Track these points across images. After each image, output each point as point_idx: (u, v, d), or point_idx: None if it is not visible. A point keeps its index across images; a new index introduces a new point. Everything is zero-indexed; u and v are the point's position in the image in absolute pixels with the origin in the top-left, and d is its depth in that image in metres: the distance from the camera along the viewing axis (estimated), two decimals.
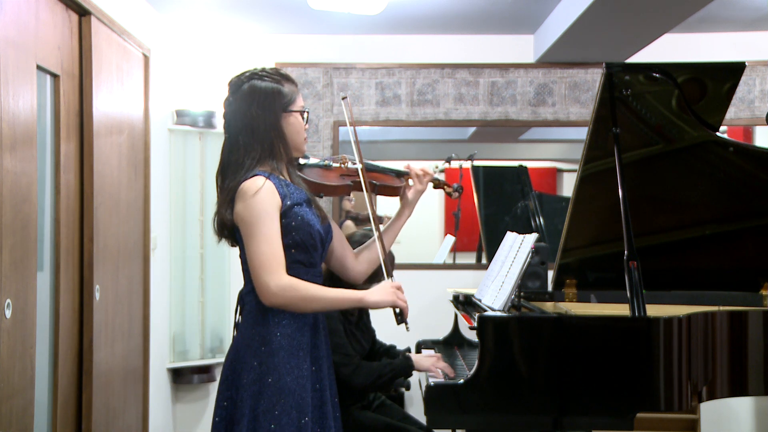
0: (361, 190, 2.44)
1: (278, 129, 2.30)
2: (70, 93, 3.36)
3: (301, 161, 2.44)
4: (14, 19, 2.79)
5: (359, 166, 2.45)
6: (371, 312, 3.74)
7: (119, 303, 3.83)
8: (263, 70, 2.36)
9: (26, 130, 2.83)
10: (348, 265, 2.52)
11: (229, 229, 2.30)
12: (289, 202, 2.24)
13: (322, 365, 2.32)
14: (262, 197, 2.19)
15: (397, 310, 2.29)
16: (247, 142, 2.29)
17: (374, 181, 2.52)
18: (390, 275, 2.38)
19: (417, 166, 2.60)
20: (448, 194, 2.72)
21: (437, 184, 2.68)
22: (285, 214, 2.24)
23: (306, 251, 2.27)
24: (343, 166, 2.49)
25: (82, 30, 3.46)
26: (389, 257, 3.60)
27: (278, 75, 2.35)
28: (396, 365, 3.29)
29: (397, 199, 2.62)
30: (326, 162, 2.49)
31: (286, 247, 2.23)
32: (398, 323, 2.30)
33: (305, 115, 2.37)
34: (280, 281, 2.16)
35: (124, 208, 3.93)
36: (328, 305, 2.27)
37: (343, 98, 2.55)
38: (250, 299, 2.28)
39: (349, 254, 2.53)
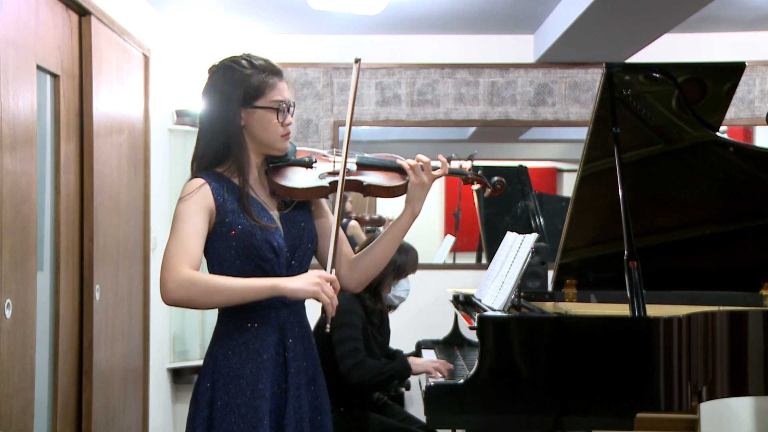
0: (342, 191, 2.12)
1: (234, 127, 2.08)
2: (70, 93, 3.35)
3: (272, 160, 2.17)
4: (14, 19, 2.79)
5: (341, 162, 2.12)
6: None
7: (119, 303, 3.83)
8: (239, 58, 2.14)
9: (26, 130, 2.83)
10: (342, 272, 2.24)
11: None
12: (223, 208, 2.07)
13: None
14: (188, 199, 2.05)
15: (322, 314, 2.06)
16: (206, 138, 2.13)
17: (363, 180, 2.17)
18: (332, 267, 2.05)
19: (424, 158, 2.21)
20: (482, 189, 2.29)
21: (465, 179, 2.28)
22: (223, 222, 2.07)
23: (252, 261, 2.08)
24: (330, 164, 2.18)
25: (82, 30, 3.46)
26: (413, 255, 3.59)
27: (251, 65, 2.12)
28: (395, 366, 3.29)
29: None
30: (308, 158, 2.17)
31: (229, 256, 2.07)
32: (324, 323, 2.07)
33: (280, 109, 2.10)
34: (178, 275, 1.95)
35: (124, 208, 3.93)
36: (235, 297, 1.98)
37: (356, 60, 2.24)
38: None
39: (342, 259, 2.24)
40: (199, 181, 2.08)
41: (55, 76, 3.21)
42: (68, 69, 3.32)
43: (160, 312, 4.58)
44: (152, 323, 4.36)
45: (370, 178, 2.18)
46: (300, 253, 2.17)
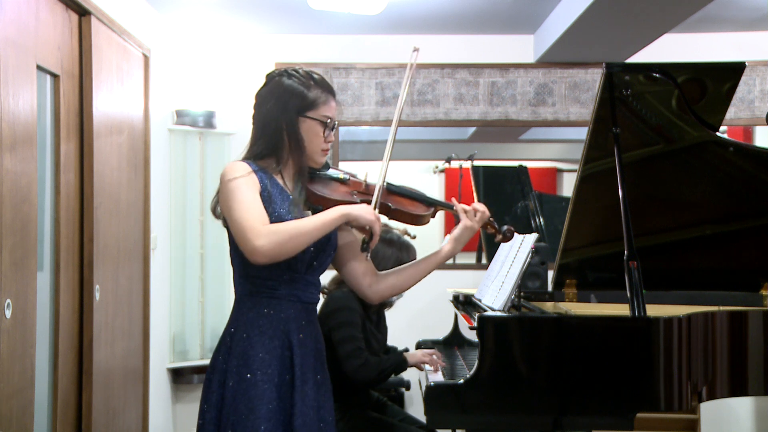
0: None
1: (289, 131, 2.23)
2: (70, 93, 3.36)
3: (315, 170, 2.31)
4: (14, 19, 2.79)
5: (379, 184, 2.28)
6: None
7: (119, 303, 3.83)
8: (298, 69, 2.29)
9: (26, 130, 2.83)
10: (362, 281, 2.38)
11: (217, 215, 2.29)
12: (266, 193, 2.18)
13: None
14: (237, 173, 2.16)
15: (366, 238, 2.20)
16: (257, 134, 2.27)
17: (390, 204, 2.33)
18: (375, 207, 2.25)
19: (469, 207, 2.40)
20: (493, 235, 2.46)
21: (485, 225, 2.43)
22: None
23: None
24: (362, 185, 2.34)
25: (82, 30, 3.46)
26: (412, 252, 3.58)
27: (309, 78, 2.27)
28: (392, 360, 3.33)
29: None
30: (343, 176, 2.34)
31: None
32: (362, 250, 2.22)
33: (327, 125, 2.25)
34: (260, 232, 2.08)
35: (124, 208, 3.93)
36: (316, 233, 2.14)
37: (415, 49, 2.40)
38: (236, 287, 2.30)
39: (365, 269, 2.38)
40: (246, 166, 2.20)
41: (55, 76, 3.21)
42: (68, 69, 3.32)
43: (160, 312, 4.58)
44: (152, 323, 4.36)
45: (397, 204, 2.35)
46: (322, 257, 2.30)
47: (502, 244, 3.30)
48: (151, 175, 4.34)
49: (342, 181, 2.33)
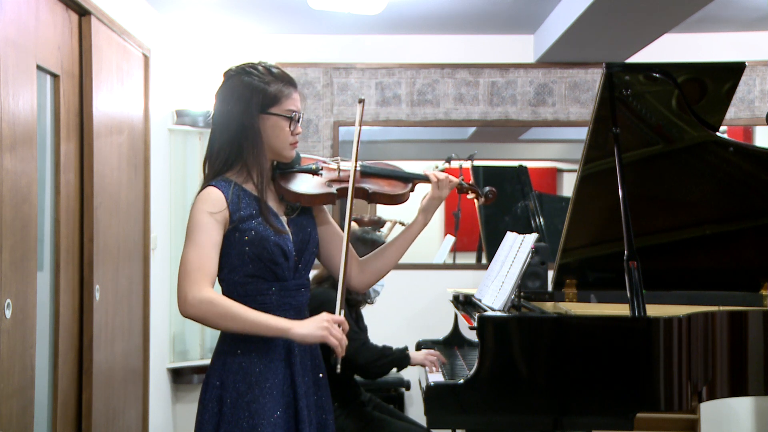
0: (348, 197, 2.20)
1: (251, 131, 2.15)
2: (70, 93, 3.36)
3: (281, 166, 2.24)
4: (14, 19, 2.79)
5: (351, 168, 2.22)
6: (372, 315, 3.75)
7: (119, 303, 3.83)
8: (257, 65, 2.22)
9: (26, 130, 2.83)
10: (350, 273, 2.32)
11: None
12: (237, 216, 2.12)
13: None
14: (204, 209, 2.10)
15: (333, 357, 2.09)
16: (220, 140, 2.20)
17: (368, 187, 2.28)
18: (341, 308, 2.13)
19: (441, 174, 2.34)
20: (476, 198, 2.41)
21: (461, 188, 2.39)
22: (236, 229, 2.13)
23: (264, 265, 2.14)
24: (336, 171, 2.27)
25: (82, 30, 3.46)
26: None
27: (269, 73, 2.19)
28: (396, 352, 3.39)
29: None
30: (315, 166, 2.25)
31: (241, 262, 2.13)
32: (332, 365, 2.12)
33: (292, 118, 2.18)
34: (199, 293, 2.02)
35: (124, 208, 3.93)
36: (247, 328, 2.05)
37: (360, 101, 2.36)
38: None
39: (351, 261, 2.33)
40: (214, 191, 2.13)
41: (55, 76, 3.21)
42: (68, 69, 3.32)
43: (160, 312, 4.58)
44: (152, 323, 4.36)
45: (375, 186, 2.29)
46: (306, 257, 2.25)
47: (502, 244, 3.30)
48: (151, 175, 4.34)
49: (315, 172, 2.26)
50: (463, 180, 2.38)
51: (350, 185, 2.22)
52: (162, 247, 4.66)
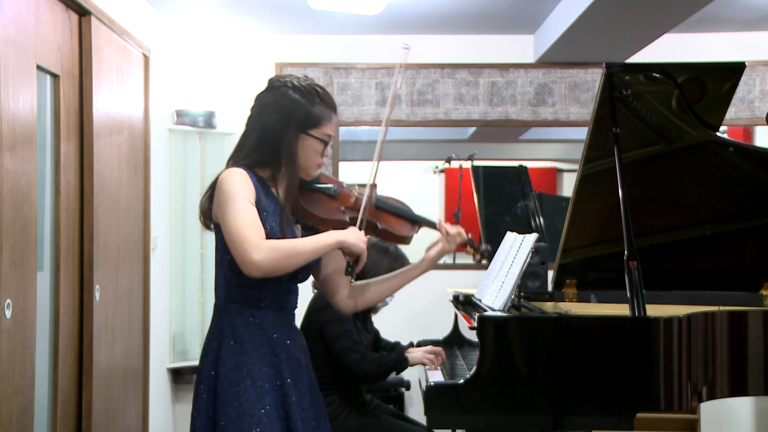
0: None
1: (288, 145, 2.20)
2: (70, 93, 3.36)
3: (305, 182, 2.30)
4: (14, 19, 2.79)
5: (365, 203, 2.27)
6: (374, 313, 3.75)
7: (119, 303, 3.83)
8: (304, 81, 2.25)
9: (26, 130, 2.83)
10: (339, 293, 2.41)
11: (206, 216, 2.28)
12: (261, 204, 2.17)
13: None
14: (237, 182, 2.14)
15: (351, 261, 2.21)
16: (254, 143, 2.23)
17: (378, 223, 2.33)
18: (362, 227, 2.24)
19: (453, 229, 2.39)
20: (473, 254, 2.48)
21: (464, 243, 2.44)
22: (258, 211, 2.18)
23: None
24: (351, 198, 2.32)
25: (82, 30, 3.46)
26: (405, 262, 3.58)
27: (315, 94, 2.23)
28: (393, 358, 3.37)
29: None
30: (333, 189, 2.32)
31: None
32: (347, 273, 2.23)
33: (327, 142, 2.24)
34: (259, 246, 2.07)
35: (124, 208, 3.93)
36: (312, 255, 2.14)
37: (405, 47, 2.34)
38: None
39: (345, 284, 2.40)
40: (244, 172, 2.18)
41: (55, 76, 3.21)
42: (68, 69, 3.32)
43: (160, 312, 4.58)
44: (152, 323, 4.36)
45: (384, 223, 2.35)
46: (310, 266, 2.27)
47: (502, 244, 3.30)
48: (151, 175, 4.34)
49: (331, 195, 2.31)
50: (468, 238, 2.43)
51: (361, 213, 2.27)
52: (162, 247, 4.66)
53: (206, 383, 2.21)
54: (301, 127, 2.21)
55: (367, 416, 3.41)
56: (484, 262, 2.55)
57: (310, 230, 2.31)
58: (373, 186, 2.30)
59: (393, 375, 3.53)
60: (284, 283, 2.24)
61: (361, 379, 3.39)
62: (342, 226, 2.27)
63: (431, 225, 2.40)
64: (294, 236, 2.25)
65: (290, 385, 2.21)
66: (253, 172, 2.21)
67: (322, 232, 2.28)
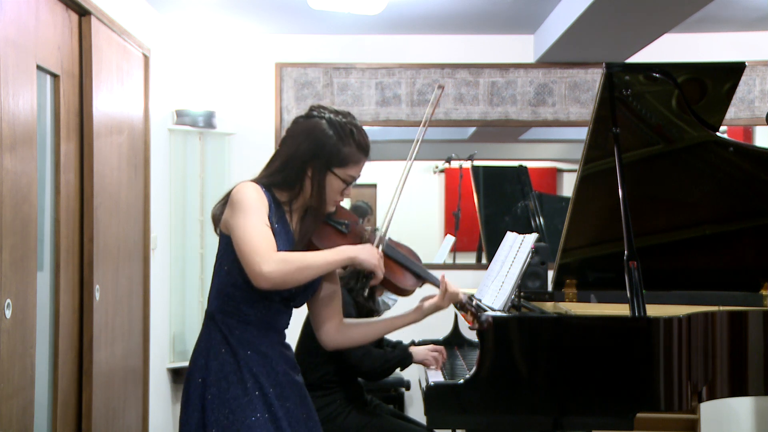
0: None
1: (313, 179, 2.20)
2: (70, 93, 3.36)
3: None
4: (14, 19, 2.79)
5: (377, 239, 2.26)
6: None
7: (119, 303, 3.83)
8: (343, 118, 2.26)
9: (26, 130, 2.83)
10: (326, 328, 2.38)
11: (216, 223, 2.28)
12: (270, 224, 2.15)
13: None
14: (253, 195, 2.14)
15: (365, 279, 2.19)
16: (280, 165, 2.22)
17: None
18: (379, 245, 2.23)
19: (452, 288, 2.37)
20: (471, 320, 2.52)
21: (461, 306, 2.46)
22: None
23: None
24: (361, 238, 2.30)
25: (82, 30, 3.46)
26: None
27: (350, 134, 2.24)
28: (397, 355, 3.38)
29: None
30: (346, 225, 2.30)
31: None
32: (360, 287, 2.22)
33: (350, 183, 2.24)
34: (271, 258, 2.05)
35: (124, 208, 3.93)
36: (322, 270, 2.13)
37: (439, 87, 2.39)
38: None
39: (334, 318, 2.38)
40: (260, 189, 2.17)
41: (55, 76, 3.21)
42: (68, 69, 3.32)
43: (160, 312, 4.58)
44: (152, 323, 4.36)
45: (389, 273, 2.28)
46: (306, 293, 2.28)
47: (502, 244, 3.30)
48: (151, 175, 4.34)
49: (341, 232, 2.29)
50: (468, 300, 2.43)
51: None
52: (162, 247, 4.66)
53: (195, 390, 2.20)
54: (327, 163, 2.20)
55: (367, 416, 3.41)
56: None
57: None
58: (386, 229, 2.30)
59: (397, 371, 3.54)
60: (275, 304, 2.22)
61: (366, 376, 3.39)
62: (346, 264, 2.25)
63: (434, 283, 2.38)
64: None
65: (276, 394, 2.20)
66: (270, 192, 2.21)
67: None
